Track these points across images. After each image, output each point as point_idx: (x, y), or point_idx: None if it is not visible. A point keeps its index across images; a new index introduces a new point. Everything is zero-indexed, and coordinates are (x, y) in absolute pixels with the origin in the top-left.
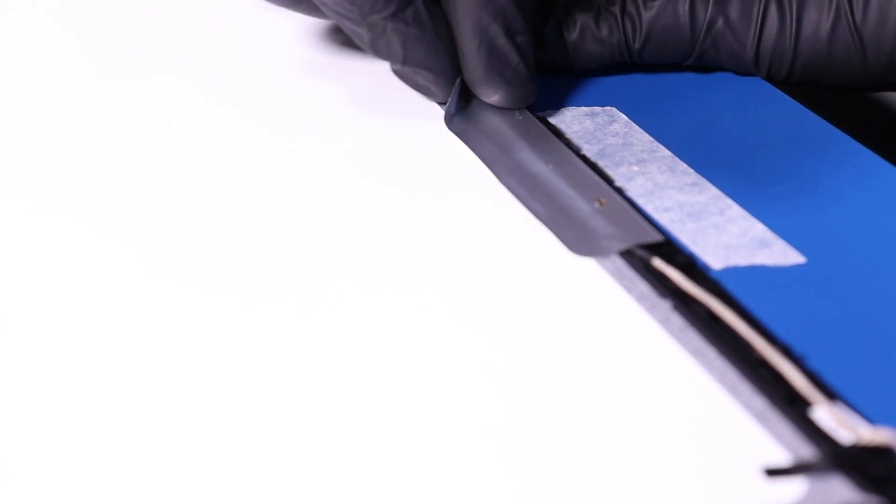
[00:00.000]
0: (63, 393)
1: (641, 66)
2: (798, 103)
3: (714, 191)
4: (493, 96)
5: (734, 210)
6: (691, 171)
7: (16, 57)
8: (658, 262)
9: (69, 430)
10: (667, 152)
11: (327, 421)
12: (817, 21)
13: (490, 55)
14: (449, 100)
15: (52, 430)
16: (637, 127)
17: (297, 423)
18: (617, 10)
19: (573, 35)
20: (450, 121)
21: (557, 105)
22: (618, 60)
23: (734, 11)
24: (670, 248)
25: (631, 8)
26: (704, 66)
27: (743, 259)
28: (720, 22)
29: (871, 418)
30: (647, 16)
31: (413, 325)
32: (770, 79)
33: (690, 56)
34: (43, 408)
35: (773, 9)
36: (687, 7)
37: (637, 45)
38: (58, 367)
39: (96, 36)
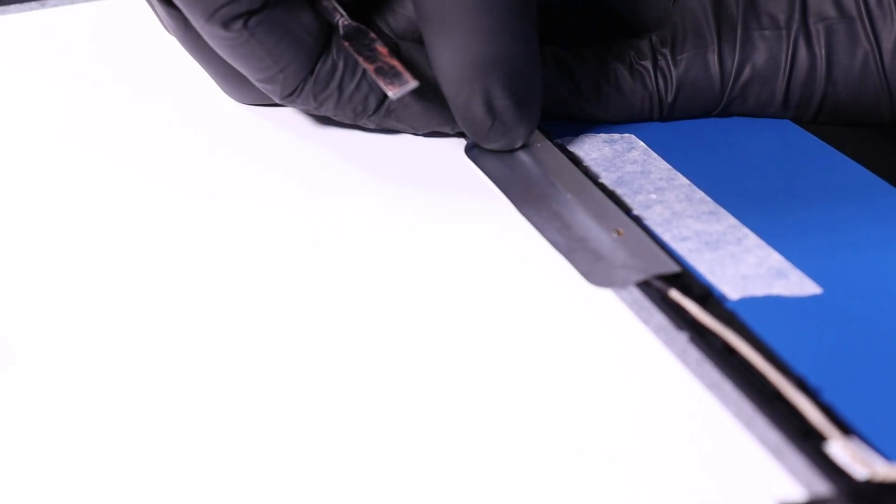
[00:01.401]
0: (63, 392)
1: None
2: (811, 134)
3: (731, 220)
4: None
5: (751, 239)
6: (709, 199)
7: (16, 55)
8: (675, 294)
9: (69, 429)
10: (685, 180)
11: (326, 420)
12: (848, 65)
13: (464, 119)
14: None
15: (51, 428)
16: (655, 154)
17: (297, 421)
18: (649, 64)
19: (608, 87)
20: (468, 149)
21: (576, 132)
22: (647, 116)
23: (761, 58)
24: (687, 279)
25: (662, 62)
26: (730, 114)
27: (759, 289)
28: (748, 69)
29: (887, 454)
30: (677, 70)
31: (417, 346)
32: (795, 120)
33: (718, 106)
34: (43, 407)
35: (802, 53)
36: (716, 56)
37: (669, 99)
38: (58, 367)
39: (97, 36)
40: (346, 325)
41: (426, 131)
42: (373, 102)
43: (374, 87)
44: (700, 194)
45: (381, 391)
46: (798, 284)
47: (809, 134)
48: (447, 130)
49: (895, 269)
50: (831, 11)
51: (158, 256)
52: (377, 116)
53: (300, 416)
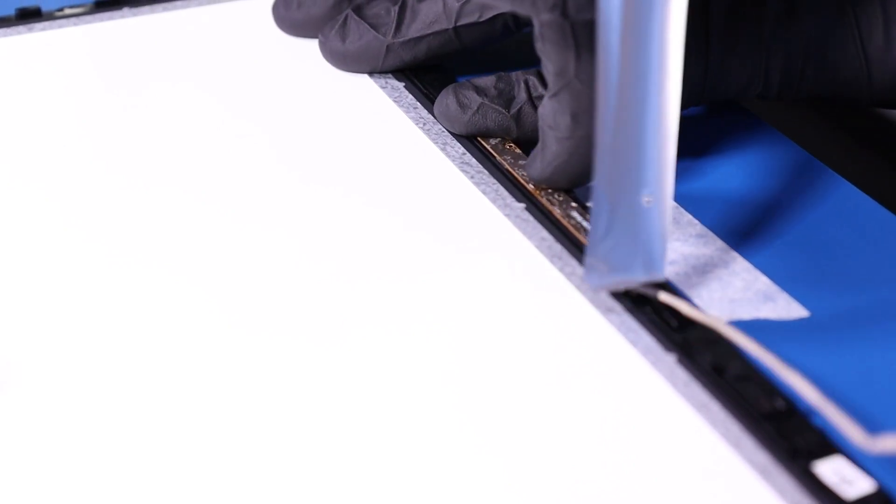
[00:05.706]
0: (60, 394)
1: None
2: (802, 149)
3: (719, 243)
4: None
5: (738, 263)
6: (696, 221)
7: (16, 55)
8: (665, 296)
9: (65, 429)
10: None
11: (323, 420)
12: (829, 47)
13: None
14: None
15: (47, 428)
16: None
17: (296, 421)
18: None
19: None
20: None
21: None
22: None
23: (741, 43)
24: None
25: None
26: (712, 100)
27: (747, 313)
28: (729, 55)
29: (873, 473)
30: None
31: (410, 367)
32: (777, 99)
33: (700, 95)
34: (40, 408)
35: (781, 38)
36: (696, 45)
37: None
38: (58, 369)
39: (97, 37)
40: (344, 325)
41: None
42: None
43: None
44: (687, 217)
45: (373, 393)
46: (785, 308)
47: (800, 148)
48: None
49: (881, 290)
50: None
51: (158, 255)
52: None
53: (295, 414)
